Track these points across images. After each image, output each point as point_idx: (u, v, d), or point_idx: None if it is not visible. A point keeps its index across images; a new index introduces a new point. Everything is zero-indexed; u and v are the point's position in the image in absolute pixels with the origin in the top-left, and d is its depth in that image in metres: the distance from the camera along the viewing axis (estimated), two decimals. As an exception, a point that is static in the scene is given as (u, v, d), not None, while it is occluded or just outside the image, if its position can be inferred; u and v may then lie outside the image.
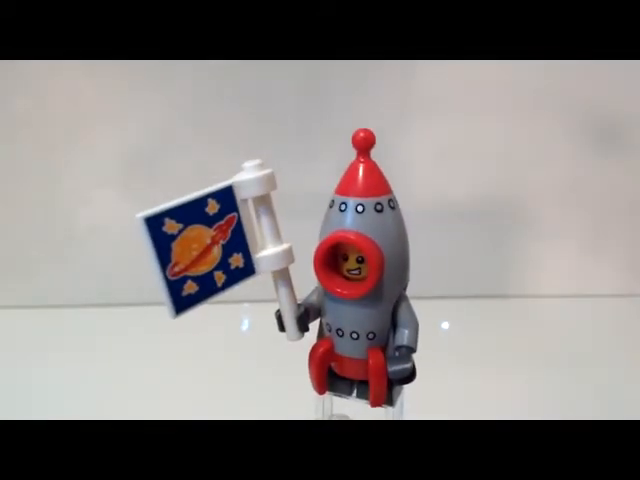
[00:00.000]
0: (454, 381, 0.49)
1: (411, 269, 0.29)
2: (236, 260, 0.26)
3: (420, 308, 0.29)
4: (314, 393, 0.31)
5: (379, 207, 0.26)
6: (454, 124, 0.63)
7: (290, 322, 0.29)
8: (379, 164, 0.28)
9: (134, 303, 0.66)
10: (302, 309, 0.29)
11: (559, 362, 0.54)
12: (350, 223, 0.26)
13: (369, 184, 0.27)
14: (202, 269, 0.25)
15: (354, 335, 0.28)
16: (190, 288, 0.24)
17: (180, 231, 0.24)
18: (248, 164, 0.26)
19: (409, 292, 0.29)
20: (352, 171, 0.27)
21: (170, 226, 0.23)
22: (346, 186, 0.27)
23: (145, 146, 0.64)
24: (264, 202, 0.27)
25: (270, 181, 0.26)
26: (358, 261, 0.27)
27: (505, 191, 0.67)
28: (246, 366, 0.53)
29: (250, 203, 0.27)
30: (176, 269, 0.24)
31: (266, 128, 0.64)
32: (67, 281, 0.68)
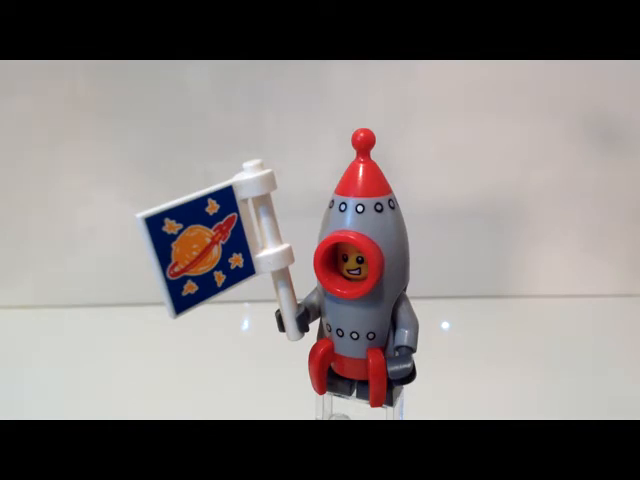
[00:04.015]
0: (454, 381, 0.49)
1: (411, 269, 0.29)
2: (236, 260, 0.26)
3: (420, 308, 0.29)
4: (314, 393, 0.31)
5: (379, 207, 0.26)
6: (454, 124, 0.63)
7: (290, 322, 0.29)
8: (379, 164, 0.28)
9: (134, 303, 0.66)
10: (302, 309, 0.29)
11: (559, 362, 0.54)
12: (350, 223, 0.26)
13: (369, 184, 0.27)
14: (202, 269, 0.25)
15: (354, 335, 0.28)
16: (190, 288, 0.24)
17: (180, 231, 0.24)
18: (248, 164, 0.26)
19: (409, 292, 0.29)
20: (352, 171, 0.27)
21: (170, 226, 0.23)
22: (346, 186, 0.27)
23: (145, 146, 0.64)
24: (264, 202, 0.27)
25: (270, 181, 0.26)
26: (358, 261, 0.27)
27: (505, 191, 0.67)
28: (246, 366, 0.53)
29: (250, 203, 0.27)
30: (176, 269, 0.24)
31: (266, 128, 0.64)
32: (67, 281, 0.68)
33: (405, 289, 0.29)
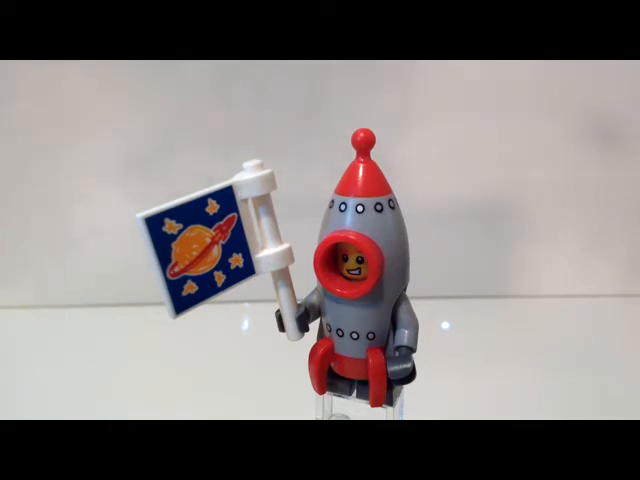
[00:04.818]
0: (454, 381, 0.49)
1: (411, 269, 0.29)
2: (236, 260, 0.26)
3: (420, 308, 0.29)
4: (314, 393, 0.31)
5: (379, 207, 0.26)
6: (454, 124, 0.63)
7: (290, 322, 0.29)
8: (379, 164, 0.28)
9: (134, 303, 0.66)
10: (302, 309, 0.29)
11: (559, 362, 0.54)
12: (350, 223, 0.26)
13: (369, 184, 0.27)
14: (202, 269, 0.25)
15: (354, 335, 0.28)
16: (190, 288, 0.24)
17: (180, 231, 0.24)
18: (248, 164, 0.26)
19: (409, 292, 0.29)
20: (352, 171, 0.27)
21: (170, 226, 0.23)
22: (346, 186, 0.27)
23: (145, 146, 0.64)
24: (264, 202, 0.27)
25: (270, 181, 0.26)
26: (358, 261, 0.27)
27: (505, 191, 0.67)
28: (246, 366, 0.53)
29: (250, 203, 0.27)
30: (176, 269, 0.24)
31: (266, 128, 0.64)
32: (67, 281, 0.68)
33: (405, 289, 0.29)
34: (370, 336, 0.28)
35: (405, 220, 0.28)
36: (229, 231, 0.26)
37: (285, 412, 0.37)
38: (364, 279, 0.26)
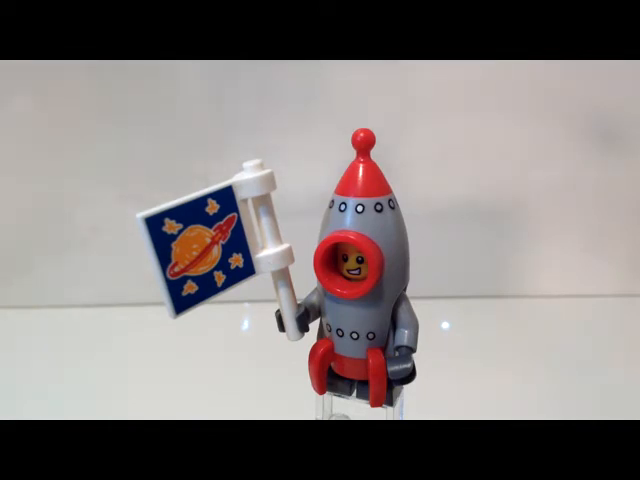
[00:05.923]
0: (454, 381, 0.49)
1: (411, 269, 0.29)
2: (236, 260, 0.26)
3: (420, 308, 0.29)
4: (314, 393, 0.31)
5: (379, 207, 0.26)
6: (454, 124, 0.63)
7: (290, 322, 0.29)
8: (379, 164, 0.28)
9: (134, 303, 0.66)
10: (302, 309, 0.29)
11: (559, 362, 0.54)
12: (350, 223, 0.26)
13: (369, 184, 0.27)
14: (202, 269, 0.25)
15: (354, 335, 0.28)
16: (190, 288, 0.24)
17: (180, 231, 0.24)
18: (248, 164, 0.26)
19: (409, 292, 0.29)
20: (352, 171, 0.27)
21: (170, 226, 0.23)
22: (346, 186, 0.27)
23: (145, 146, 0.64)
24: (264, 202, 0.27)
25: (270, 181, 0.26)
26: (358, 261, 0.27)
27: (505, 191, 0.67)
28: (246, 366, 0.53)
29: (250, 203, 0.27)
30: (176, 269, 0.24)
31: (266, 128, 0.64)
32: (67, 281, 0.68)
33: (405, 289, 0.29)
34: (370, 336, 0.28)
35: (405, 220, 0.28)
36: (229, 231, 0.26)
37: (285, 412, 0.37)
38: (364, 279, 0.26)
